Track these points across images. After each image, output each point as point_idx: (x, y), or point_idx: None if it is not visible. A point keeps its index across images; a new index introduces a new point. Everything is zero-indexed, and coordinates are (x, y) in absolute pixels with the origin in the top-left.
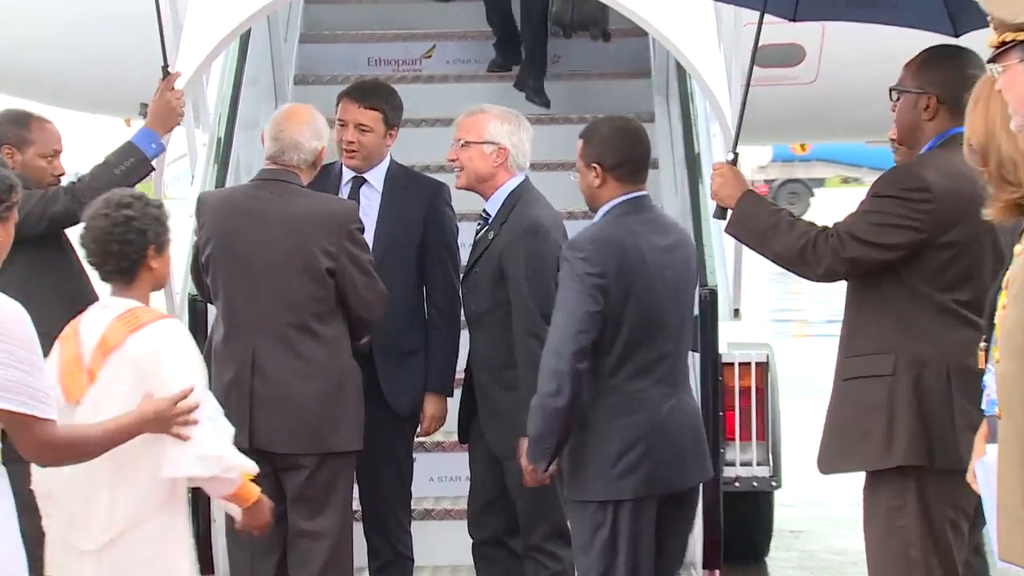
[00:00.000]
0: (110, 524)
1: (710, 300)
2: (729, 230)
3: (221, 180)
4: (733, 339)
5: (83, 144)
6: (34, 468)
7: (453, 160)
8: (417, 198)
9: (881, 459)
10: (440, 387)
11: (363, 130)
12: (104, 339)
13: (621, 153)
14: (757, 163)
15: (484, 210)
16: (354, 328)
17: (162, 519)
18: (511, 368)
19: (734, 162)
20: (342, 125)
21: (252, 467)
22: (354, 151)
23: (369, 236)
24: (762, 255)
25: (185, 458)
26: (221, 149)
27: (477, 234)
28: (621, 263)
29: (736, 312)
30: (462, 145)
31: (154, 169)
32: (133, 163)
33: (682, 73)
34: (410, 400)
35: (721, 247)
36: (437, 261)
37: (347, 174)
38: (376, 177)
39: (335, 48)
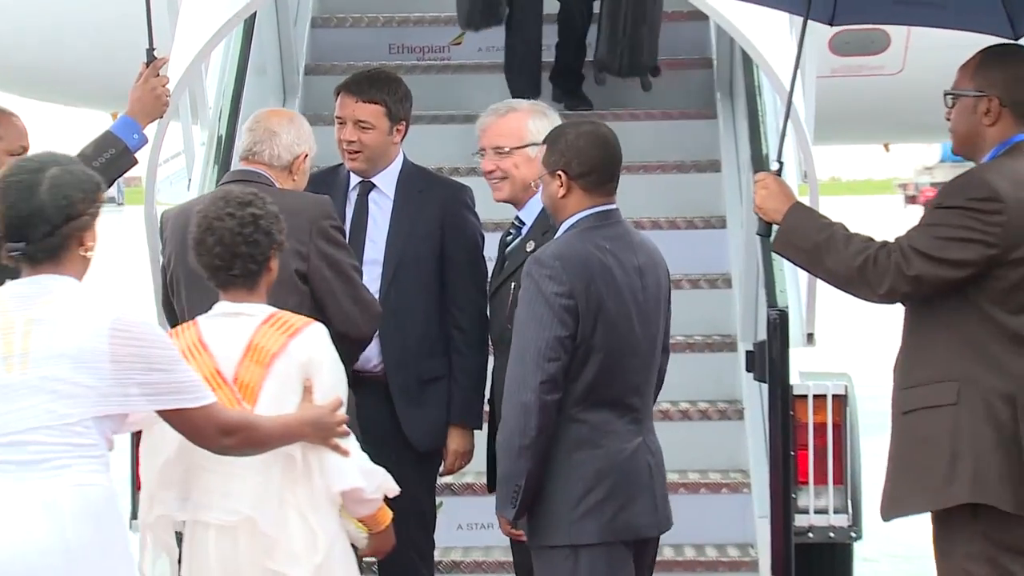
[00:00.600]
0: (314, 549)
1: (779, 323)
2: (776, 248)
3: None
4: (806, 368)
5: (63, 142)
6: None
7: (492, 172)
8: (434, 203)
9: (943, 496)
10: (465, 419)
11: (363, 127)
12: (257, 347)
13: (590, 160)
14: (922, 164)
15: (517, 218)
16: (340, 349)
17: (341, 533)
18: None
19: (779, 172)
20: (340, 123)
21: (395, 488)
22: (356, 152)
23: (380, 248)
24: (815, 275)
25: (351, 471)
26: (222, 148)
27: (507, 245)
28: (590, 283)
29: (810, 337)
30: (502, 153)
31: (136, 162)
32: (114, 155)
33: (748, 64)
34: (431, 435)
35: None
36: (459, 275)
37: (354, 179)
38: (386, 181)
39: (352, 34)
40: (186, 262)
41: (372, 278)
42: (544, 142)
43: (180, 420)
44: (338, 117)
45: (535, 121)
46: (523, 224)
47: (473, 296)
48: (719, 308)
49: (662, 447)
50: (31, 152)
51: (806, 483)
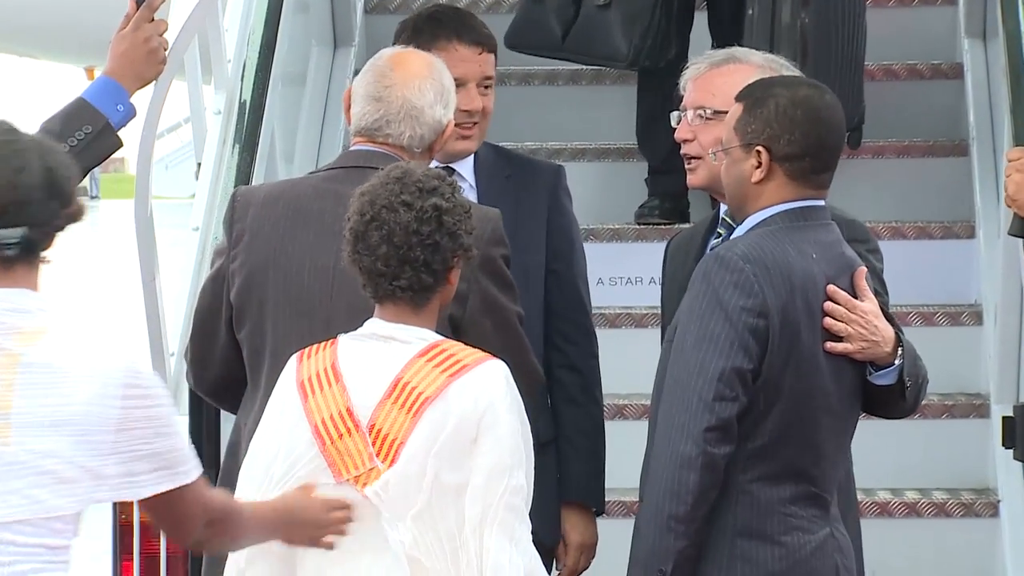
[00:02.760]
0: None
1: None
2: None
3: (245, 170)
4: None
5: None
6: None
7: (688, 140)
8: (531, 193)
9: None
10: (587, 499)
11: (486, 89)
12: (405, 386)
13: (806, 139)
14: None
15: (724, 217)
16: None
17: None
18: None
19: None
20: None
21: None
22: (473, 125)
23: None
24: None
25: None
26: (247, 120)
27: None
28: (789, 302)
29: None
30: (704, 117)
31: (121, 144)
32: (91, 134)
33: (1010, 1)
34: (546, 524)
35: None
36: (569, 295)
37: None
38: (465, 164)
39: None
40: (264, 276)
41: None
42: (739, 99)
43: (167, 502)
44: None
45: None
46: (733, 226)
47: (584, 323)
48: (964, 355)
49: (876, 554)
50: None
51: None
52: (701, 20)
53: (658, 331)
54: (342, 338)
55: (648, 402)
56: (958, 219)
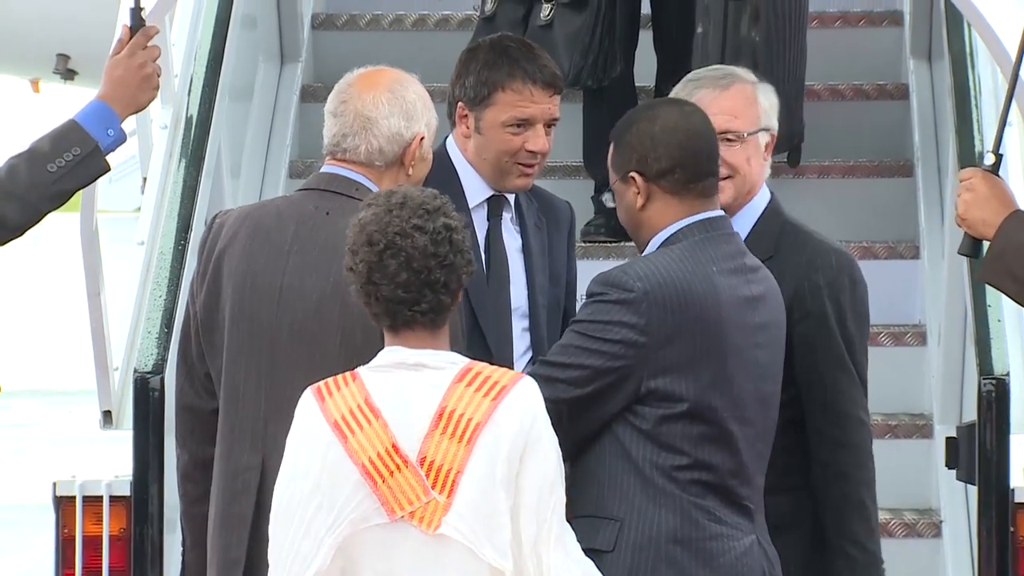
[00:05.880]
0: None
1: (996, 397)
2: (984, 276)
3: (191, 184)
4: None
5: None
6: None
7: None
8: (556, 227)
9: None
10: None
11: (549, 129)
12: (451, 414)
13: (671, 151)
14: None
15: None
16: None
17: None
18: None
19: (995, 168)
20: (520, 126)
21: None
22: (534, 164)
23: (521, 295)
24: None
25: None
26: (193, 134)
27: None
28: (696, 321)
29: None
30: (730, 141)
31: (109, 168)
32: (79, 156)
33: (955, 20)
34: None
35: (1018, 310)
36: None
37: (476, 192)
38: (509, 198)
39: None
40: (235, 293)
41: (520, 336)
42: (609, 139)
43: None
44: (523, 117)
45: (767, 96)
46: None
47: None
48: (908, 375)
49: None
50: None
51: None
52: (646, 39)
53: None
54: (363, 371)
55: None
56: (903, 239)
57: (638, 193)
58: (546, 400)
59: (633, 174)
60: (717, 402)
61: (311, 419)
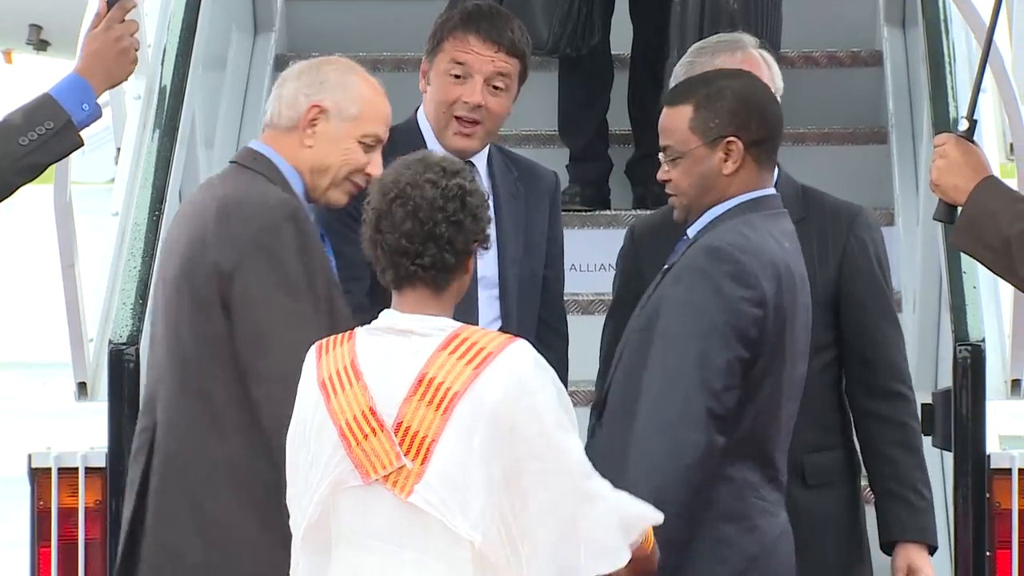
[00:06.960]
0: None
1: (971, 364)
2: (955, 242)
3: (165, 155)
4: (1010, 430)
5: None
6: None
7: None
8: (536, 197)
9: None
10: None
11: (495, 89)
12: (431, 382)
13: (769, 121)
14: None
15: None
16: None
17: None
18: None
19: (970, 134)
20: (457, 77)
21: (657, 516)
22: (477, 123)
23: (491, 264)
24: (1008, 282)
25: (612, 538)
26: (167, 105)
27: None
28: (778, 291)
29: (1016, 384)
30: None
31: (82, 143)
32: (52, 130)
33: None
34: None
35: (994, 277)
36: (555, 304)
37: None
38: (479, 165)
39: None
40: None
41: (487, 303)
42: (678, 101)
43: None
44: (457, 64)
45: (771, 62)
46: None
47: (563, 331)
48: None
49: None
50: None
51: None
52: (622, 7)
53: (591, 317)
54: (359, 332)
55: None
56: (877, 206)
57: (726, 159)
58: None
59: (732, 139)
60: (780, 382)
61: (308, 375)
